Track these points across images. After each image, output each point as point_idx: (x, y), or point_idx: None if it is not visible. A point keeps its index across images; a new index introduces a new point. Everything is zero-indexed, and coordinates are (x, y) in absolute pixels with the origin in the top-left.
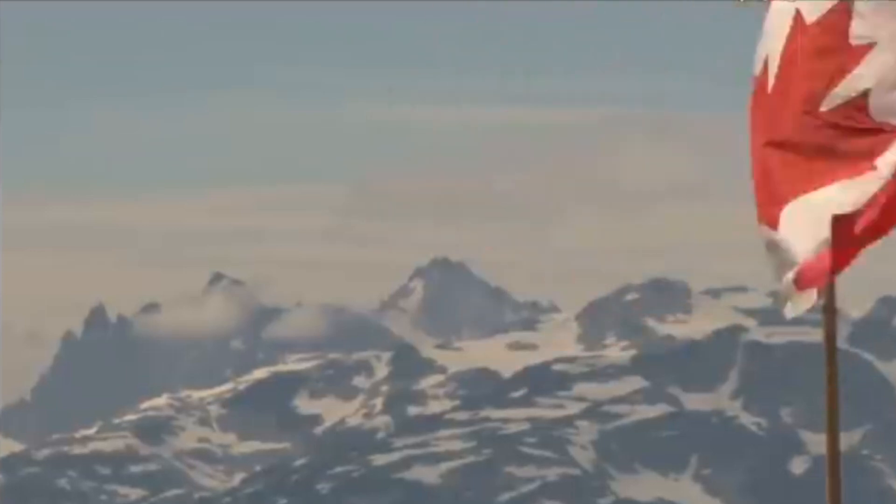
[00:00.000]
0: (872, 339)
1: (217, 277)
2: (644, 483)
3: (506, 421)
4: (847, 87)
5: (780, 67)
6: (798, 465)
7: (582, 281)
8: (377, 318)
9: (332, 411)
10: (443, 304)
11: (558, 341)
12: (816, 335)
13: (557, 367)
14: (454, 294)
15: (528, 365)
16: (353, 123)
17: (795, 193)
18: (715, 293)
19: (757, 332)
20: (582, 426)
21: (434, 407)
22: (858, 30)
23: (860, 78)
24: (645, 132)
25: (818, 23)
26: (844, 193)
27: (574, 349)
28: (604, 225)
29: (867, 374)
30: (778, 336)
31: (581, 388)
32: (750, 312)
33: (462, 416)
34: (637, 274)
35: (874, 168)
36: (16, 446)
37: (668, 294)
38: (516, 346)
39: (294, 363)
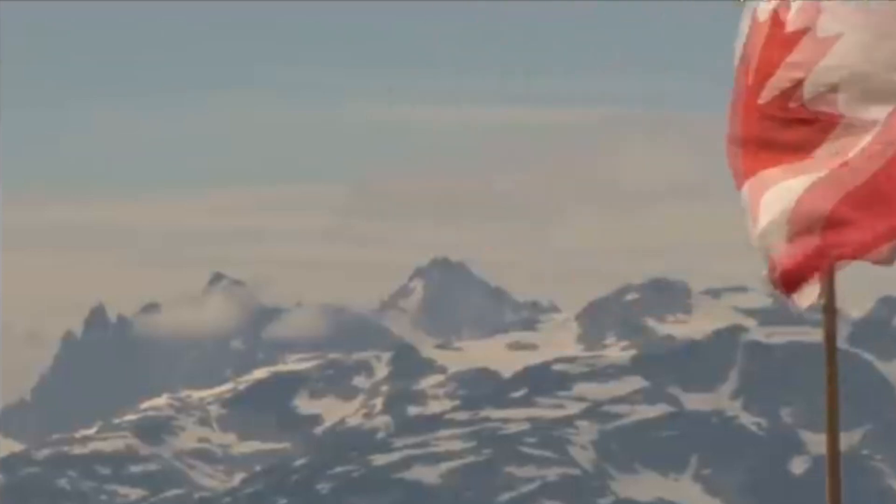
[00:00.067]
0: (872, 339)
1: (217, 277)
2: (644, 483)
3: (506, 421)
4: (815, 81)
5: (755, 66)
6: (798, 465)
7: (582, 281)
8: (377, 318)
9: (332, 411)
10: (443, 304)
11: (558, 341)
12: (816, 335)
13: (557, 367)
14: (454, 294)
15: (528, 365)
16: (353, 123)
17: (748, 176)
18: (715, 293)
19: (757, 332)
20: (582, 426)
21: (434, 407)
22: (826, 24)
23: (827, 71)
24: (645, 132)
25: (790, 20)
26: (789, 181)
27: (574, 349)
28: (604, 225)
29: (867, 374)
30: (778, 336)
31: (581, 388)
32: (750, 312)
33: (462, 416)
34: (637, 274)
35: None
36: (16, 446)
37: (668, 294)
38: (516, 346)
39: (294, 363)
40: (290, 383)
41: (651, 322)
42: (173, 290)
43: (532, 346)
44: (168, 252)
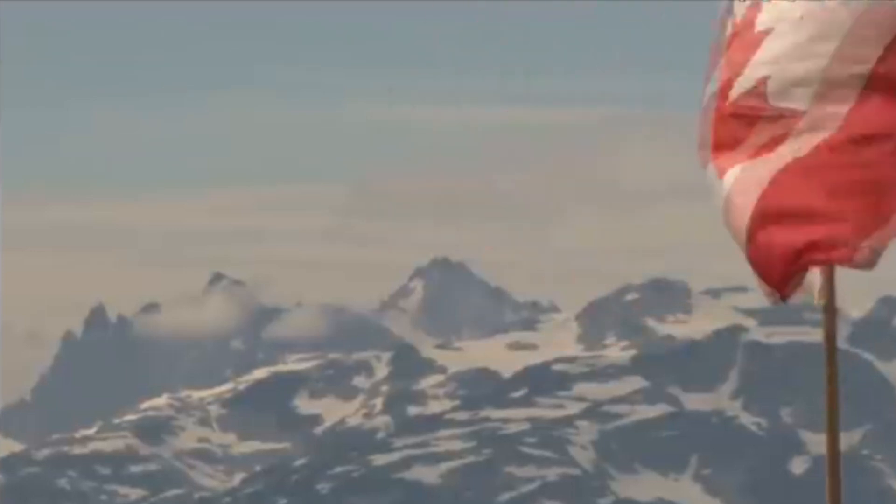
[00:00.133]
0: (872, 339)
1: (217, 277)
2: (644, 483)
3: (506, 421)
4: (748, 76)
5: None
6: (798, 465)
7: (582, 281)
8: (377, 318)
9: (332, 411)
10: (443, 304)
11: (558, 341)
12: (816, 335)
13: (557, 367)
14: (454, 294)
15: (528, 365)
16: (353, 123)
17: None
18: (715, 293)
19: (757, 332)
20: (582, 426)
21: (434, 407)
22: (762, 18)
23: (759, 65)
24: (645, 132)
25: (742, 18)
26: (752, 177)
27: (574, 349)
28: (604, 225)
29: (867, 374)
30: (778, 336)
31: (581, 388)
32: (750, 312)
33: (462, 416)
34: (637, 274)
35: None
36: (16, 446)
37: (668, 294)
38: (516, 346)
39: (294, 363)
40: (290, 383)
41: (651, 322)
42: (173, 290)
43: (532, 346)
44: (168, 252)
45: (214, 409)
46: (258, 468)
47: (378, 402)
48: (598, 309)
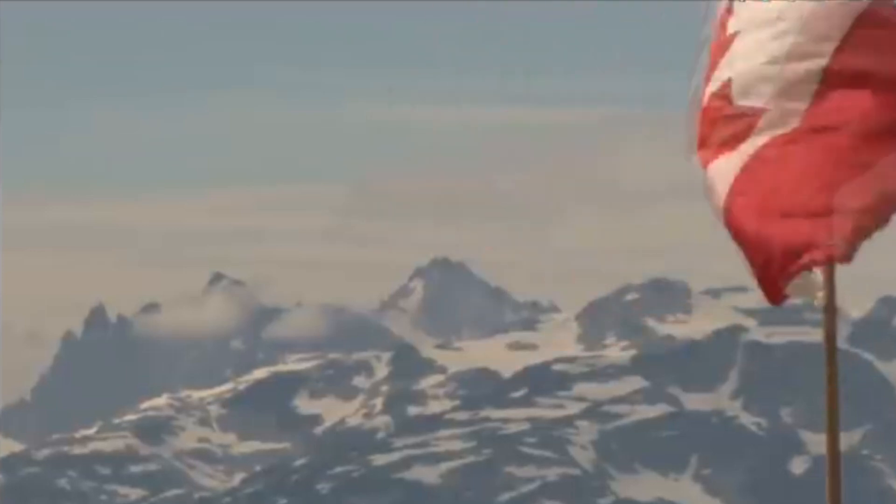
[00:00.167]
0: (872, 339)
1: (217, 277)
2: (644, 483)
3: (506, 421)
4: (716, 78)
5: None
6: (798, 465)
7: (582, 281)
8: (377, 318)
9: (332, 411)
10: (443, 304)
11: (558, 341)
12: (816, 335)
13: (557, 367)
14: (454, 294)
15: (528, 365)
16: (353, 123)
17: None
18: (715, 293)
19: (757, 332)
20: (582, 426)
21: (434, 407)
22: (732, 21)
23: (725, 67)
24: (645, 132)
25: (730, 23)
26: (718, 174)
27: (574, 349)
28: (604, 225)
29: (867, 374)
30: (778, 336)
31: (581, 388)
32: (750, 312)
33: (462, 416)
34: (637, 274)
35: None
36: (16, 446)
37: (668, 294)
38: (516, 346)
39: (294, 363)
40: (290, 383)
41: (651, 322)
42: (173, 290)
43: (532, 346)
44: (168, 252)
45: (214, 409)
46: (258, 468)
47: (378, 402)
48: (598, 309)
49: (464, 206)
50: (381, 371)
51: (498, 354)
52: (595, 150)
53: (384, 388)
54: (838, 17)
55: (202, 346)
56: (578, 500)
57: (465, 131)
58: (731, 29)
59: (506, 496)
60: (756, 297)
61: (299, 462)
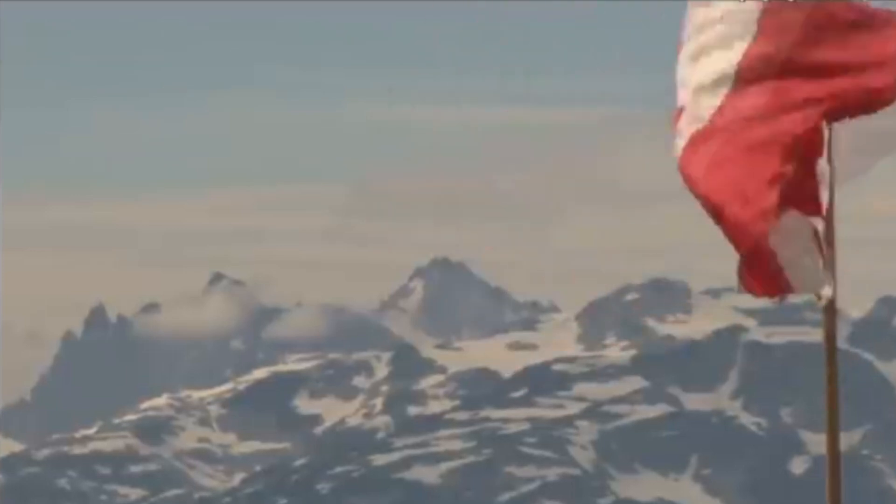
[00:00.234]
0: (872, 339)
1: (217, 277)
2: (644, 483)
3: (506, 421)
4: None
5: None
6: (798, 465)
7: (582, 281)
8: (377, 318)
9: (332, 411)
10: (443, 304)
11: (558, 341)
12: (816, 335)
13: (557, 367)
14: (454, 294)
15: (528, 365)
16: (353, 123)
17: None
18: (715, 293)
19: (757, 332)
20: (582, 426)
21: (434, 407)
22: (687, 28)
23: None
24: (645, 132)
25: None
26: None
27: (574, 349)
28: (604, 225)
29: (867, 374)
30: (778, 336)
31: (581, 388)
32: (750, 312)
33: (462, 416)
34: (637, 274)
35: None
36: (16, 446)
37: (668, 294)
38: (516, 346)
39: (294, 363)
40: (290, 383)
41: (651, 322)
42: (173, 290)
43: (532, 346)
44: (168, 252)
45: (214, 409)
46: (258, 468)
47: (378, 402)
48: (598, 309)
49: (464, 206)
50: (381, 371)
51: (498, 354)
52: (595, 150)
53: (384, 388)
54: (747, 17)
55: (202, 346)
56: (578, 500)
57: (465, 131)
58: (684, 36)
59: (506, 496)
60: (756, 297)
61: (299, 462)
